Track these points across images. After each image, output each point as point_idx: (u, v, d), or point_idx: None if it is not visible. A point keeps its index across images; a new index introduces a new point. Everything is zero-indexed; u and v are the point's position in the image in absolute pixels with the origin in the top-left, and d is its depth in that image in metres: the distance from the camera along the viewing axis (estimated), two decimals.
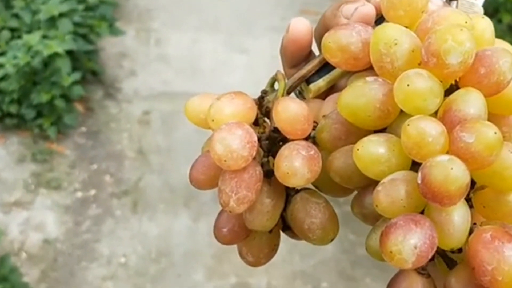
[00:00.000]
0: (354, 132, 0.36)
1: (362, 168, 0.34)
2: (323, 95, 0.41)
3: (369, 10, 0.38)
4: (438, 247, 0.32)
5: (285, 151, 0.36)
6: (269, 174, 0.37)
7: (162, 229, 2.08)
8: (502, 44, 0.37)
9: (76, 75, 2.35)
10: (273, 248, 0.41)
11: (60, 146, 2.38)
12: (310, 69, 0.40)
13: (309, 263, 1.93)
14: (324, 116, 0.38)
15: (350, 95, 0.35)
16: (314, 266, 1.93)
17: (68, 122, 2.38)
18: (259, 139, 0.37)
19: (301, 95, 0.42)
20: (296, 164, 0.35)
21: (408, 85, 0.32)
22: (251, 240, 0.40)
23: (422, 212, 0.33)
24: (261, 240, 0.40)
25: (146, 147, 2.39)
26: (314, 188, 0.39)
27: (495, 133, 0.30)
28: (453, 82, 0.34)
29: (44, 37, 2.33)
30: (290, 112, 0.36)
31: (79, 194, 2.21)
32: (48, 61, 2.28)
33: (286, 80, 0.41)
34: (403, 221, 0.32)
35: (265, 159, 0.38)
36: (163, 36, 2.93)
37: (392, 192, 0.32)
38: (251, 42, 2.95)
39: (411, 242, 0.31)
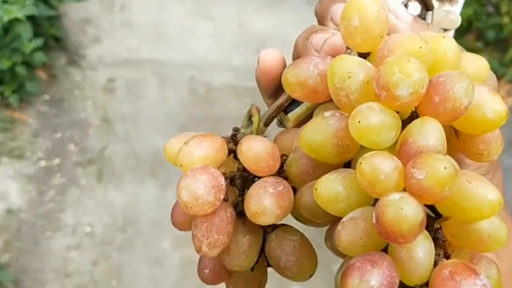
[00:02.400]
0: (320, 167, 0.35)
1: (323, 206, 0.34)
2: (305, 122, 0.40)
3: (338, 41, 0.37)
4: (404, 284, 0.32)
5: (253, 190, 0.36)
6: (243, 214, 0.37)
7: (128, 198, 2.06)
8: (474, 59, 0.36)
9: (38, 42, 2.29)
10: (259, 285, 0.41)
11: (22, 114, 2.32)
12: (286, 98, 0.40)
13: None
14: (294, 149, 0.37)
15: (308, 132, 0.35)
16: None
17: (30, 90, 2.32)
18: (232, 178, 0.38)
19: (282, 125, 0.42)
20: (264, 202, 0.35)
21: (359, 121, 0.32)
22: (236, 278, 0.41)
23: (386, 248, 0.33)
24: (246, 278, 0.40)
25: (111, 115, 2.35)
26: (295, 219, 0.39)
27: (445, 167, 0.30)
28: (414, 109, 0.33)
29: (4, 1, 2.25)
30: (253, 151, 0.36)
31: (43, 163, 2.17)
32: (8, 27, 2.22)
33: (261, 114, 0.41)
34: (360, 262, 0.31)
35: (240, 198, 0.38)
36: (128, 1, 2.86)
37: (351, 231, 0.32)
38: (218, 9, 2.91)
39: (368, 284, 0.30)
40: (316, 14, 0.43)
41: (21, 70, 2.26)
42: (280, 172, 0.38)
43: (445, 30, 0.42)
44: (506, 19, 2.47)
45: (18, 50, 2.24)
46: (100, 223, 1.99)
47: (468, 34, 2.56)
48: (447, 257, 0.33)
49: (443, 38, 0.34)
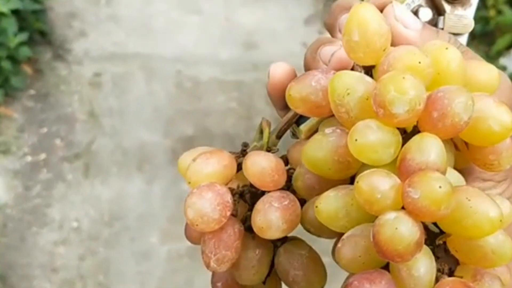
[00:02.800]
0: (325, 181, 0.36)
1: (324, 223, 0.34)
2: None
3: (345, 54, 0.37)
4: None
5: (259, 205, 0.37)
6: (252, 228, 0.38)
7: (115, 193, 2.05)
8: (484, 68, 0.36)
9: (23, 36, 2.27)
10: None
11: (8, 109, 2.31)
12: None
13: None
14: (301, 163, 0.38)
15: (309, 149, 0.35)
16: None
17: (15, 85, 2.30)
18: (242, 193, 0.38)
19: (295, 136, 0.42)
20: (269, 217, 0.36)
21: (356, 139, 0.32)
22: None
23: (387, 265, 0.32)
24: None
25: (97, 109, 2.34)
26: (307, 231, 0.39)
27: (440, 186, 0.30)
28: (415, 123, 0.33)
29: None
30: (257, 166, 0.37)
31: (29, 159, 2.16)
32: None
33: (273, 126, 0.41)
34: (357, 280, 0.31)
35: (249, 213, 0.38)
36: None
37: (350, 249, 0.33)
38: (205, 2, 2.89)
39: None
40: (325, 26, 0.44)
41: (6, 64, 2.24)
42: (289, 186, 0.38)
43: (457, 34, 0.41)
44: (492, 12, 2.48)
45: (3, 45, 2.22)
46: (87, 218, 1.98)
47: None
48: (451, 272, 0.33)
49: (446, 49, 0.34)
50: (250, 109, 2.36)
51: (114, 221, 1.97)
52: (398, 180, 0.31)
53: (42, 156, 2.17)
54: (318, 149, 0.35)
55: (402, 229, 0.30)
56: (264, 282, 0.40)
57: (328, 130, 0.35)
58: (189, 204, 0.37)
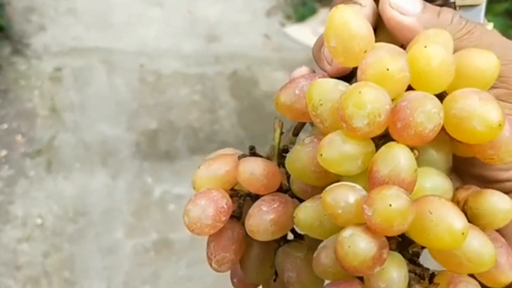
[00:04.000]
0: (315, 186, 0.36)
1: (304, 231, 0.35)
2: None
3: None
4: None
5: (251, 209, 0.38)
6: None
7: (79, 188, 2.04)
8: (483, 56, 0.34)
9: None
10: None
11: None
12: None
13: None
14: None
15: (290, 160, 0.36)
16: None
17: None
18: (246, 196, 0.40)
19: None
20: (258, 220, 0.37)
21: (321, 154, 0.32)
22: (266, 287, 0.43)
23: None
24: (274, 286, 0.42)
25: (58, 104, 2.31)
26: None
27: (390, 205, 0.29)
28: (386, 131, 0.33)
29: None
30: (246, 172, 0.38)
31: None
32: None
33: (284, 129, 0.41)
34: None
35: None
36: None
37: (322, 259, 0.33)
38: None
39: None
40: None
41: None
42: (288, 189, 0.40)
43: (471, 6, 0.39)
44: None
45: None
46: (51, 214, 1.96)
47: None
48: (431, 278, 0.33)
49: (425, 48, 0.33)
50: (213, 102, 2.36)
51: (78, 216, 1.96)
52: (363, 193, 0.32)
53: (3, 152, 2.13)
54: (297, 160, 0.35)
55: (356, 246, 0.30)
56: (274, 280, 0.41)
57: (307, 140, 0.35)
58: (185, 211, 0.38)
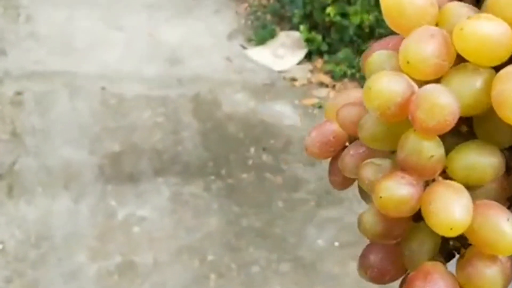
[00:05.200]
0: None
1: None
2: None
3: None
4: None
5: None
6: None
7: (41, 213, 2.02)
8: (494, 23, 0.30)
9: None
10: None
11: None
12: None
13: (194, 237, 1.96)
14: None
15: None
16: (200, 239, 1.95)
17: None
18: None
19: None
20: None
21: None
22: None
23: None
24: None
25: (20, 128, 2.30)
26: None
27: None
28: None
29: None
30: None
31: None
32: None
33: None
34: None
35: None
36: (34, 12, 2.80)
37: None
38: (127, 18, 2.89)
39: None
40: None
41: None
42: None
43: None
44: None
45: None
46: (13, 239, 1.94)
47: (371, 40, 2.68)
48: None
49: (461, 30, 0.30)
50: (176, 124, 2.38)
51: (41, 241, 1.94)
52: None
53: None
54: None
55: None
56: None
57: None
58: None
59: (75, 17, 2.83)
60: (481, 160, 0.31)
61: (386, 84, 0.31)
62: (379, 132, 0.33)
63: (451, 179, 0.31)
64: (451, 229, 0.29)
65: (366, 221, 0.34)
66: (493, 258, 0.31)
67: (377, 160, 0.33)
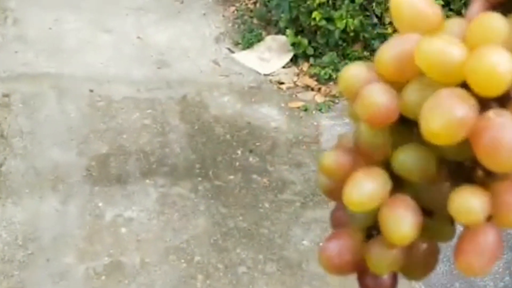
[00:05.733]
0: None
1: None
2: None
3: None
4: None
5: None
6: None
7: (29, 214, 2.03)
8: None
9: None
10: None
11: None
12: None
13: (181, 238, 1.97)
14: None
15: None
16: (187, 240, 1.97)
17: None
18: None
19: None
20: None
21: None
22: None
23: None
24: None
25: (7, 130, 2.30)
26: None
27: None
28: None
29: None
30: None
31: None
32: None
33: None
34: None
35: None
36: (21, 15, 2.81)
37: None
38: (116, 21, 2.91)
39: None
40: None
41: None
42: None
43: None
44: (390, 29, 2.64)
45: None
46: (0, 241, 1.95)
47: (356, 44, 2.72)
48: None
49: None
50: (164, 126, 2.39)
51: (28, 242, 1.95)
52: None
53: None
54: None
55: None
56: None
57: None
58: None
59: (63, 20, 2.84)
60: (412, 161, 0.30)
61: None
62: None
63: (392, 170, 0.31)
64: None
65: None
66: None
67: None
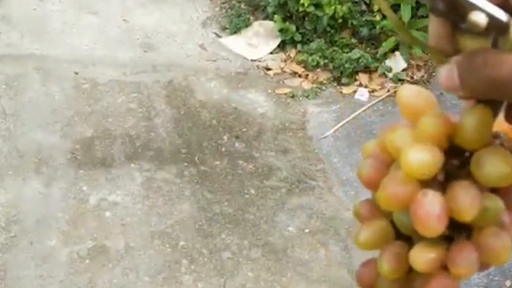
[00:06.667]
0: None
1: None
2: None
3: None
4: None
5: None
6: None
7: (12, 196, 2.01)
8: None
9: None
10: None
11: None
12: None
13: (166, 223, 1.97)
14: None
15: None
16: (172, 225, 1.96)
17: None
18: None
19: None
20: None
21: None
22: None
23: None
24: None
25: None
26: None
27: None
28: None
29: None
30: None
31: None
32: None
33: None
34: None
35: None
36: None
37: None
38: (101, 3, 2.88)
39: None
40: None
41: None
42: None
43: None
44: (378, 17, 2.64)
45: None
46: None
47: (344, 31, 2.71)
48: None
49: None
50: (150, 110, 2.38)
51: (11, 225, 1.93)
52: None
53: None
54: None
55: None
56: None
57: None
58: None
59: (48, 1, 2.80)
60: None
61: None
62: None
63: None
64: None
65: None
66: None
67: None
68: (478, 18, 0.30)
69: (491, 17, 0.31)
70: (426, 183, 0.34)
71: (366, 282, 0.39)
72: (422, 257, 0.35)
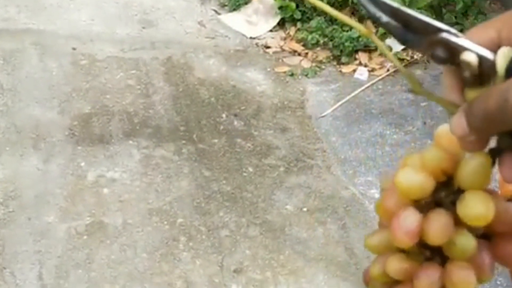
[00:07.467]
0: None
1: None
2: None
3: None
4: None
5: None
6: None
7: (9, 172, 2.00)
8: None
9: None
10: None
11: None
12: None
13: (164, 200, 1.97)
14: None
15: None
16: (170, 202, 1.96)
17: None
18: None
19: None
20: None
21: None
22: None
23: None
24: None
25: None
26: None
27: None
28: None
29: None
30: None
31: None
32: None
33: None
34: None
35: None
36: None
37: None
38: None
39: None
40: None
41: None
42: None
43: None
44: None
45: None
46: None
47: (344, 9, 2.69)
48: None
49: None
50: (148, 87, 2.37)
51: (9, 200, 1.93)
52: None
53: None
54: None
55: None
56: None
57: None
58: None
59: None
60: None
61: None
62: None
63: None
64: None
65: None
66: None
67: None
68: (470, 57, 0.34)
69: (480, 57, 0.34)
70: (417, 205, 0.38)
71: (367, 280, 0.44)
72: (395, 264, 0.40)
